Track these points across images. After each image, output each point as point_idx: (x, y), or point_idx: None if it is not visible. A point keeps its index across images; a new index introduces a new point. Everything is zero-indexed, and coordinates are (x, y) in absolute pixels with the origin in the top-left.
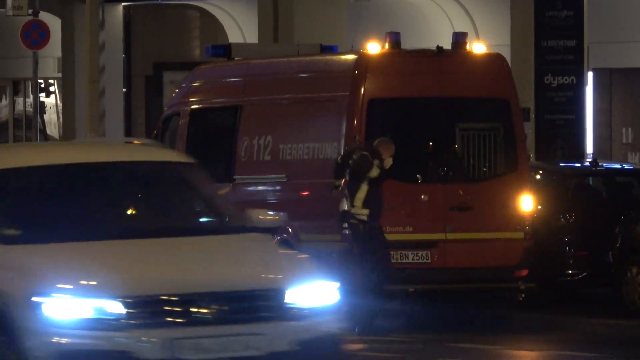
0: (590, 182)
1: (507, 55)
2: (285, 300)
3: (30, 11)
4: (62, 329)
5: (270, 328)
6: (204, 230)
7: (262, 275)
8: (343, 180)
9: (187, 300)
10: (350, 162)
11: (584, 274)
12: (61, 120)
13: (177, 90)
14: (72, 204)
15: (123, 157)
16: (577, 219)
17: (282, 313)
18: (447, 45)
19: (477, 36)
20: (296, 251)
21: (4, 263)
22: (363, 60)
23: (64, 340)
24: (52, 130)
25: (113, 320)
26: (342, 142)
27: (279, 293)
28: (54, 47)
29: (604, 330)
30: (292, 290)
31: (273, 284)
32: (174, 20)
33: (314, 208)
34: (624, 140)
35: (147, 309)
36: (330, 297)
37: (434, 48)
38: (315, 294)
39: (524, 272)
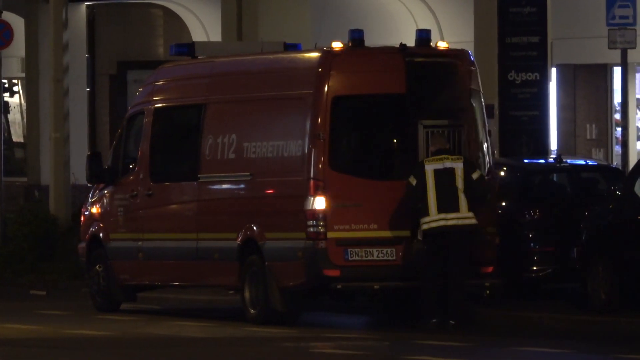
0: (555, 178)
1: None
2: None
3: None
4: None
5: None
6: None
7: None
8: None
9: None
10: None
11: (550, 269)
12: (25, 120)
13: (141, 89)
14: None
15: None
16: (542, 215)
17: None
18: (410, 42)
19: (441, 33)
20: None
21: None
22: (327, 58)
23: None
24: (17, 130)
25: None
26: (307, 139)
27: None
28: (18, 46)
29: (569, 326)
30: None
31: None
32: (137, 19)
33: (278, 206)
34: (588, 136)
35: None
36: None
37: (398, 45)
38: None
39: (490, 269)
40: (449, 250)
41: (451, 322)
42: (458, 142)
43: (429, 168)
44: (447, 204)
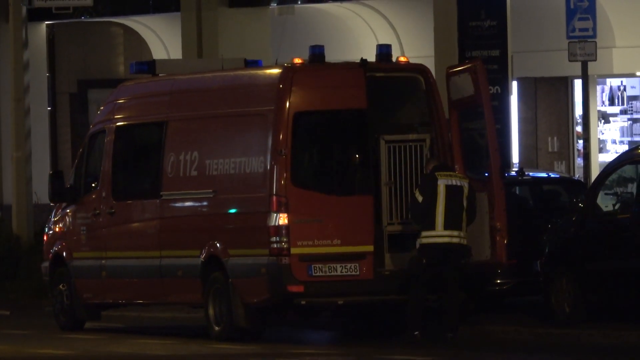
0: (517, 191)
1: (431, 66)
2: None
3: None
4: None
5: None
6: None
7: None
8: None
9: None
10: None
11: (513, 282)
12: None
13: (102, 108)
14: None
15: None
16: None
17: None
18: (371, 57)
19: (401, 48)
20: None
21: None
22: (288, 74)
23: None
24: None
25: None
26: (269, 156)
27: None
28: None
29: (534, 339)
30: None
31: None
32: (97, 37)
33: (241, 222)
34: (550, 149)
35: None
36: None
37: (358, 60)
38: None
39: None
40: (446, 266)
41: (449, 334)
42: (421, 156)
43: (442, 183)
44: (453, 221)
